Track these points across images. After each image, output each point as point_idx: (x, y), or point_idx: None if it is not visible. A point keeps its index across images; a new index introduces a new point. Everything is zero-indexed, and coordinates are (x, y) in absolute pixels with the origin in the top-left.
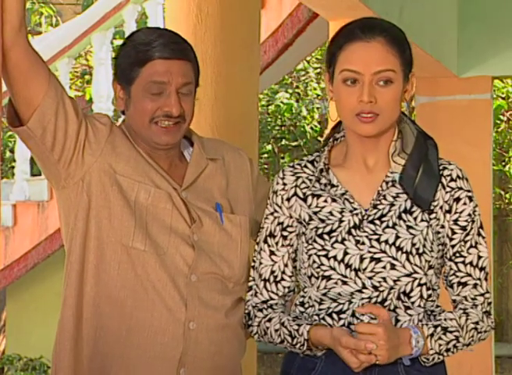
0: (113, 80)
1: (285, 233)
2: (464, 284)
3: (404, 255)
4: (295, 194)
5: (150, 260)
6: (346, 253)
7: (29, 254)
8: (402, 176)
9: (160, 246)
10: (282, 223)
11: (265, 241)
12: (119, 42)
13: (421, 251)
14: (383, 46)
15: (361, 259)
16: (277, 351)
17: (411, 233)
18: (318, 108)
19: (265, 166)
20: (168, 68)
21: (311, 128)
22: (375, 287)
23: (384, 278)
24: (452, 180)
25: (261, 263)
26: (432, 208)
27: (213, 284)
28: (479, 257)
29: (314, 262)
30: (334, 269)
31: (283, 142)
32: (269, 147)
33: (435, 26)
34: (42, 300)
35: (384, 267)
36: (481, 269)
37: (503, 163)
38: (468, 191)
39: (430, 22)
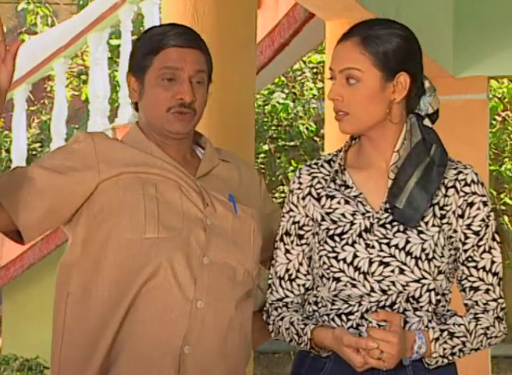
0: (127, 72)
1: (301, 232)
2: (476, 289)
3: (413, 261)
4: (309, 193)
5: (164, 243)
6: (355, 256)
7: (25, 254)
8: (390, 190)
9: (175, 229)
10: (298, 222)
11: (281, 240)
12: (115, 42)
13: (430, 256)
14: (354, 45)
15: (370, 263)
16: (273, 351)
17: (422, 239)
18: (314, 108)
19: (262, 166)
20: (181, 55)
21: (307, 128)
22: (384, 291)
23: (393, 282)
24: (466, 184)
25: (276, 261)
26: (443, 212)
27: (224, 270)
28: (492, 262)
29: (324, 263)
30: (343, 271)
31: (279, 142)
32: (265, 147)
33: (432, 27)
34: (38, 300)
35: (392, 271)
36: (495, 274)
37: (499, 163)
38: (483, 195)
39: (426, 22)
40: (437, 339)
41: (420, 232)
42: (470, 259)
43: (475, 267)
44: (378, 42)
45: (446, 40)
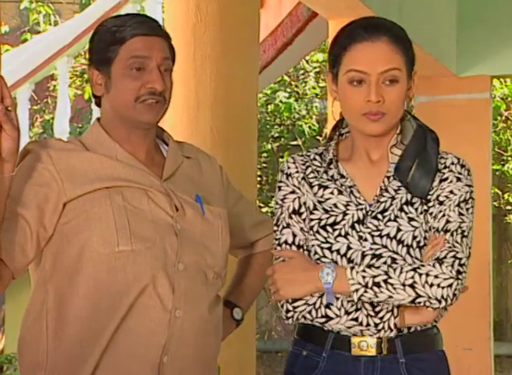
0: (88, 66)
1: (307, 212)
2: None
3: (405, 249)
4: (303, 179)
5: (140, 256)
6: (349, 248)
7: None
8: (397, 165)
9: (148, 239)
10: (305, 203)
11: (291, 217)
12: None
13: (421, 244)
14: (388, 45)
15: (363, 256)
16: (276, 350)
17: (412, 226)
18: (316, 107)
19: (264, 165)
20: (148, 43)
21: (309, 127)
22: None
23: None
24: (445, 167)
25: (295, 235)
26: (429, 197)
27: (198, 275)
28: (447, 221)
29: (316, 253)
30: (336, 261)
31: (282, 141)
32: (268, 146)
33: (435, 26)
34: None
35: (385, 262)
36: (447, 231)
37: (502, 163)
38: (459, 173)
39: (429, 21)
40: (352, 268)
41: (410, 219)
42: (430, 228)
43: (434, 231)
44: (404, 41)
45: (449, 39)
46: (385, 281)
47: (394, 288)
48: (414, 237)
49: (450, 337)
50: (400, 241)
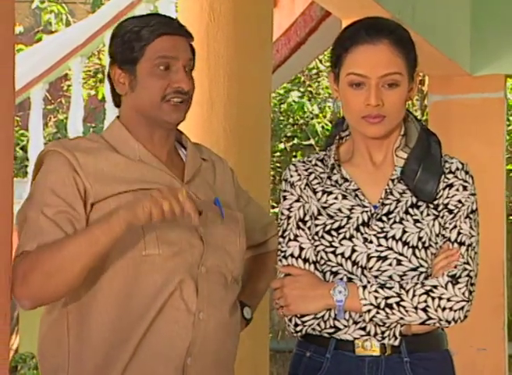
0: (110, 66)
1: (312, 220)
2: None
3: (410, 250)
4: (307, 185)
5: (167, 261)
6: (353, 250)
7: None
8: (403, 169)
9: (174, 243)
10: (308, 210)
11: (298, 227)
12: None
13: (427, 244)
14: (389, 48)
15: (368, 258)
16: (289, 349)
17: (418, 227)
18: (329, 107)
19: (278, 165)
20: (174, 43)
21: (322, 127)
22: (381, 285)
23: (390, 276)
24: (450, 172)
25: (302, 249)
26: (436, 202)
27: (218, 278)
28: (459, 233)
29: (321, 258)
30: (341, 265)
31: (295, 141)
32: (281, 145)
33: (449, 25)
34: None
35: (390, 264)
36: (461, 243)
37: None
38: (464, 181)
39: (443, 20)
40: (365, 287)
41: (416, 221)
42: (441, 237)
43: (445, 241)
44: (406, 44)
45: (463, 38)
46: (398, 304)
47: (406, 311)
48: (420, 238)
49: (464, 338)
50: (405, 243)
